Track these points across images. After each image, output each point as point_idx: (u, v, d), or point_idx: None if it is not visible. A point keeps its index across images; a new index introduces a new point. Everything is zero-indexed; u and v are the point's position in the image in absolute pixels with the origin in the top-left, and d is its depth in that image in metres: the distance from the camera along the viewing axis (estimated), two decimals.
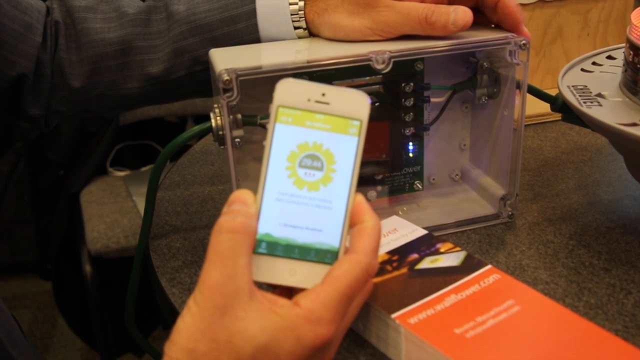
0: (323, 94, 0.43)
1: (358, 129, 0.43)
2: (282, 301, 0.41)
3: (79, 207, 1.37)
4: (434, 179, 0.69)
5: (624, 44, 0.68)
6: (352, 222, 0.43)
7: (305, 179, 0.43)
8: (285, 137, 0.43)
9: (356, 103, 0.43)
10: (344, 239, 0.43)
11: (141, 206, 1.35)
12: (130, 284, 0.66)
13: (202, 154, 0.84)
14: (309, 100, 0.43)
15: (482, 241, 0.62)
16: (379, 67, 0.55)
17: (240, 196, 0.43)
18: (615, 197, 0.68)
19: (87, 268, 1.27)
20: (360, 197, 0.44)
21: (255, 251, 0.42)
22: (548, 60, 0.90)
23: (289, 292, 0.43)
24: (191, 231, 0.66)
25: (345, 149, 0.43)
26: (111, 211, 1.33)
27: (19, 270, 1.99)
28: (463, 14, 0.55)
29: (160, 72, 0.62)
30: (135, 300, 0.66)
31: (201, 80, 0.62)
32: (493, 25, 0.60)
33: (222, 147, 0.57)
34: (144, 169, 1.56)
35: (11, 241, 1.99)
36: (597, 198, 0.68)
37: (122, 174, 1.51)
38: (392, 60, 0.55)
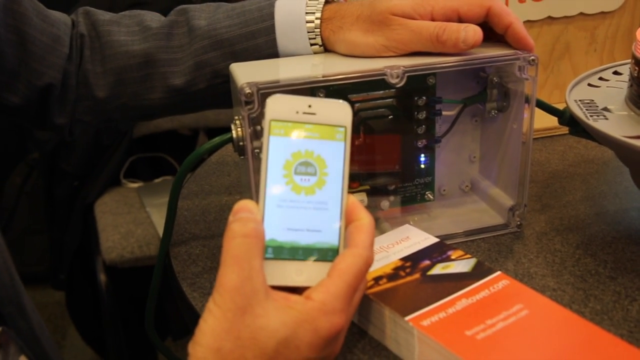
0: (309, 106, 0.47)
1: (344, 134, 0.47)
2: (295, 297, 0.44)
3: (94, 218, 1.39)
4: (444, 190, 0.71)
5: (629, 60, 0.70)
6: (347, 220, 0.47)
7: (301, 185, 0.47)
8: (280, 147, 0.47)
9: (340, 112, 0.47)
10: (342, 236, 0.47)
11: (155, 217, 1.37)
12: (151, 290, 0.68)
13: (218, 165, 0.86)
14: (297, 112, 0.47)
15: (492, 250, 0.64)
16: (393, 81, 0.57)
17: (245, 205, 0.46)
18: (621, 208, 0.70)
19: (102, 277, 1.30)
20: (352, 197, 0.48)
21: (263, 256, 0.45)
22: (556, 75, 0.92)
23: (293, 291, 0.46)
24: (210, 239, 0.69)
25: (334, 154, 0.47)
26: (125, 221, 1.35)
27: (29, 281, 2.01)
28: (473, 32, 0.58)
29: (182, 84, 0.65)
30: (155, 306, 0.69)
31: (220, 93, 0.65)
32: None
33: (242, 157, 0.59)
34: (157, 180, 1.58)
35: (22, 252, 2.02)
36: (603, 209, 0.70)
37: (135, 185, 1.54)
38: (406, 75, 0.57)
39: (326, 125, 0.47)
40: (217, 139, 0.60)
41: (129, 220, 1.36)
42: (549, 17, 0.87)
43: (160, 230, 1.33)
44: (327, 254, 0.46)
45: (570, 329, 0.47)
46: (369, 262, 0.45)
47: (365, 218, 0.46)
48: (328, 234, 0.46)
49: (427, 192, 0.69)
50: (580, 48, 0.91)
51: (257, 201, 0.46)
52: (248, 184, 0.59)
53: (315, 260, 0.46)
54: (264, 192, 0.46)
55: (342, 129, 0.47)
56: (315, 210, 0.46)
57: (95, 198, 1.44)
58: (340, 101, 0.47)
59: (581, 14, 0.88)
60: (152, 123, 1.51)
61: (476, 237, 0.66)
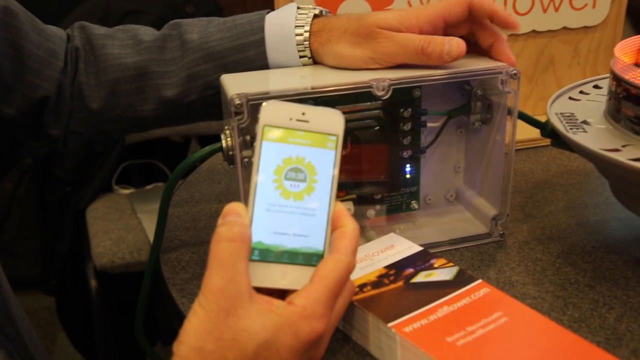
0: (303, 113, 0.48)
1: (335, 143, 0.49)
2: (277, 301, 0.45)
3: (85, 224, 1.40)
4: (429, 199, 0.73)
5: (607, 75, 0.72)
6: (333, 227, 0.48)
7: (290, 190, 0.48)
8: (272, 152, 0.48)
9: (332, 120, 0.49)
10: (327, 242, 0.48)
11: (146, 223, 1.38)
12: (141, 295, 0.69)
13: (209, 173, 0.87)
14: (290, 119, 0.48)
15: (475, 258, 0.65)
16: (380, 93, 0.59)
17: (234, 208, 0.47)
18: (601, 218, 0.72)
19: (93, 282, 1.30)
20: (339, 204, 0.49)
21: (249, 258, 0.46)
22: (540, 87, 0.94)
23: (278, 295, 0.47)
24: (199, 245, 0.70)
25: (324, 162, 0.48)
26: (116, 227, 1.36)
27: (19, 286, 2.01)
28: (457, 45, 0.60)
29: (175, 96, 0.66)
30: (144, 310, 0.70)
31: (212, 104, 0.66)
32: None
33: (231, 166, 0.61)
34: (148, 187, 1.60)
35: (13, 257, 2.02)
36: (584, 219, 0.72)
37: (127, 191, 1.55)
38: (392, 87, 0.59)
39: (318, 133, 0.48)
40: (207, 148, 0.62)
41: (120, 227, 1.37)
42: (534, 31, 0.89)
43: (151, 237, 1.34)
44: (312, 259, 0.48)
45: (548, 336, 0.49)
46: (350, 268, 0.47)
47: (350, 225, 0.48)
48: (314, 240, 0.48)
49: (412, 202, 0.71)
50: (564, 61, 0.93)
51: (246, 204, 0.47)
52: (237, 192, 0.61)
53: (299, 264, 0.47)
54: (253, 195, 0.47)
55: (334, 138, 0.48)
56: (302, 216, 0.48)
57: (87, 204, 1.45)
58: (334, 110, 0.49)
59: (565, 28, 0.90)
60: None
61: (460, 246, 0.67)
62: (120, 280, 1.32)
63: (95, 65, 0.67)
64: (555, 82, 0.94)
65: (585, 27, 0.91)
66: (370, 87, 0.59)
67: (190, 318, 0.44)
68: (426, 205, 0.73)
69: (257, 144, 0.47)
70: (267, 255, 0.47)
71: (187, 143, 1.69)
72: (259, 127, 0.48)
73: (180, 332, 0.44)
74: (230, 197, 0.80)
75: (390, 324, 0.50)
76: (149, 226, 1.37)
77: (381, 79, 0.59)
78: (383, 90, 0.59)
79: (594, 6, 0.89)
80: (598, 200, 0.75)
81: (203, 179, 0.86)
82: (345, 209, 0.49)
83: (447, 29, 0.62)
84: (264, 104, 0.48)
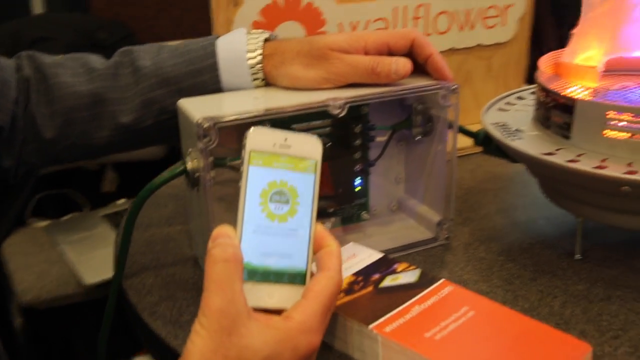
0: (285, 139, 0.51)
1: (314, 167, 0.52)
2: (275, 317, 0.48)
3: (3, 260, 1.34)
4: (375, 210, 0.77)
5: (528, 87, 0.80)
6: (317, 247, 0.51)
7: (275, 212, 0.50)
8: (258, 177, 0.50)
9: (312, 146, 0.52)
10: (309, 261, 0.51)
11: (70, 254, 1.35)
12: (103, 325, 0.68)
13: (152, 198, 0.87)
14: (274, 144, 0.51)
15: (426, 262, 0.70)
16: (336, 112, 0.62)
17: (224, 231, 0.49)
18: (531, 218, 0.79)
19: (18, 320, 1.25)
20: (320, 225, 0.52)
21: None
22: (459, 100, 1.01)
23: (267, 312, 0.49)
24: (160, 268, 0.70)
25: (305, 185, 0.51)
26: (38, 261, 1.32)
27: None
28: (403, 64, 0.65)
29: (130, 122, 0.67)
30: (107, 340, 0.69)
31: (167, 128, 0.67)
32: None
33: (195, 188, 0.62)
34: (65, 218, 1.55)
35: None
36: (516, 219, 0.78)
37: (43, 223, 1.50)
38: (347, 105, 0.63)
39: (299, 157, 0.51)
40: (167, 173, 0.63)
41: (41, 260, 1.32)
42: (452, 49, 0.96)
43: (77, 268, 1.31)
44: (295, 278, 0.50)
45: (511, 323, 0.54)
46: (340, 284, 0.50)
47: (334, 244, 0.51)
48: (297, 259, 0.50)
49: (362, 212, 0.75)
50: (479, 76, 1.01)
51: (234, 226, 0.49)
52: (201, 214, 0.62)
53: (285, 284, 0.50)
54: (242, 218, 0.49)
55: (313, 162, 0.52)
56: (286, 237, 0.50)
57: (2, 239, 1.39)
58: (313, 136, 0.52)
59: (479, 45, 0.98)
60: None
61: (410, 251, 0.72)
62: (47, 315, 1.27)
63: (47, 94, 0.66)
64: (471, 95, 1.01)
65: (497, 44, 0.99)
66: (328, 105, 0.62)
67: (193, 339, 0.45)
68: (372, 215, 0.77)
69: (244, 168, 0.50)
70: (255, 276, 0.49)
71: (102, 171, 1.66)
72: (246, 153, 0.50)
73: (184, 353, 0.45)
74: (181, 219, 0.81)
75: (371, 326, 0.53)
76: (74, 257, 1.34)
77: (337, 98, 0.62)
78: (339, 108, 0.62)
79: (503, 24, 0.98)
80: (525, 201, 0.82)
81: (147, 204, 0.85)
82: (326, 230, 0.52)
83: (389, 55, 0.67)
84: (251, 130, 0.50)
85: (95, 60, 0.69)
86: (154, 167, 1.78)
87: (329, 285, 0.49)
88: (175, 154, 1.75)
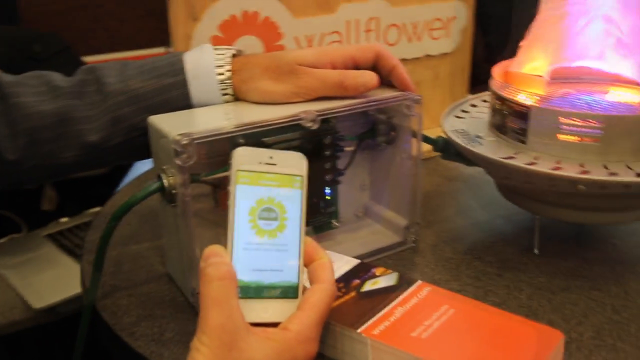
0: (270, 157, 0.53)
1: (300, 182, 0.54)
2: (272, 329, 0.49)
3: None
4: (342, 217, 0.79)
5: (479, 94, 0.84)
6: (308, 260, 0.53)
7: (264, 229, 0.52)
8: (245, 195, 0.52)
9: (297, 163, 0.54)
10: (301, 275, 0.52)
11: (13, 279, 1.30)
12: (76, 351, 0.67)
13: None
14: (260, 163, 0.53)
15: (397, 264, 0.73)
16: (309, 124, 0.64)
17: (215, 250, 0.50)
18: (489, 217, 0.82)
19: None
20: (309, 239, 0.54)
21: None
22: None
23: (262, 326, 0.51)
24: (134, 287, 0.70)
25: (292, 200, 0.53)
26: None
27: None
28: (370, 77, 0.67)
29: (98, 140, 0.66)
30: None
31: (138, 146, 0.67)
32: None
33: (172, 204, 0.62)
34: (2, 240, 1.49)
35: None
36: (475, 220, 0.82)
37: None
38: (319, 118, 0.64)
39: (285, 174, 0.53)
40: (142, 192, 0.62)
41: None
42: (402, 59, 1.00)
43: (23, 292, 1.26)
44: (288, 292, 0.52)
45: (489, 317, 0.57)
46: (334, 295, 0.52)
47: (325, 257, 0.53)
48: (288, 273, 0.52)
49: (332, 220, 0.76)
50: (427, 84, 1.04)
51: (224, 245, 0.50)
52: (178, 229, 0.62)
53: (278, 298, 0.51)
54: (232, 236, 0.51)
55: (300, 178, 0.53)
56: (277, 252, 0.52)
57: None
58: (297, 153, 0.54)
59: (427, 55, 1.02)
60: None
61: (380, 256, 0.74)
62: None
63: (8, 115, 0.65)
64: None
65: (443, 54, 1.03)
66: (301, 119, 0.64)
67: (194, 356, 0.46)
68: (340, 222, 0.79)
69: (231, 188, 0.51)
70: (248, 292, 0.50)
71: (40, 189, 1.61)
72: (232, 172, 0.51)
73: None
74: (147, 236, 0.80)
75: (359, 330, 0.55)
76: (17, 281, 1.29)
77: (309, 112, 0.64)
78: (312, 121, 0.64)
79: (448, 36, 1.02)
80: (481, 202, 0.86)
81: None
82: (315, 243, 0.54)
83: (354, 68, 0.69)
84: (236, 150, 0.52)
85: (58, 78, 0.67)
86: (94, 184, 1.75)
87: (324, 296, 0.51)
88: (118, 171, 1.72)
